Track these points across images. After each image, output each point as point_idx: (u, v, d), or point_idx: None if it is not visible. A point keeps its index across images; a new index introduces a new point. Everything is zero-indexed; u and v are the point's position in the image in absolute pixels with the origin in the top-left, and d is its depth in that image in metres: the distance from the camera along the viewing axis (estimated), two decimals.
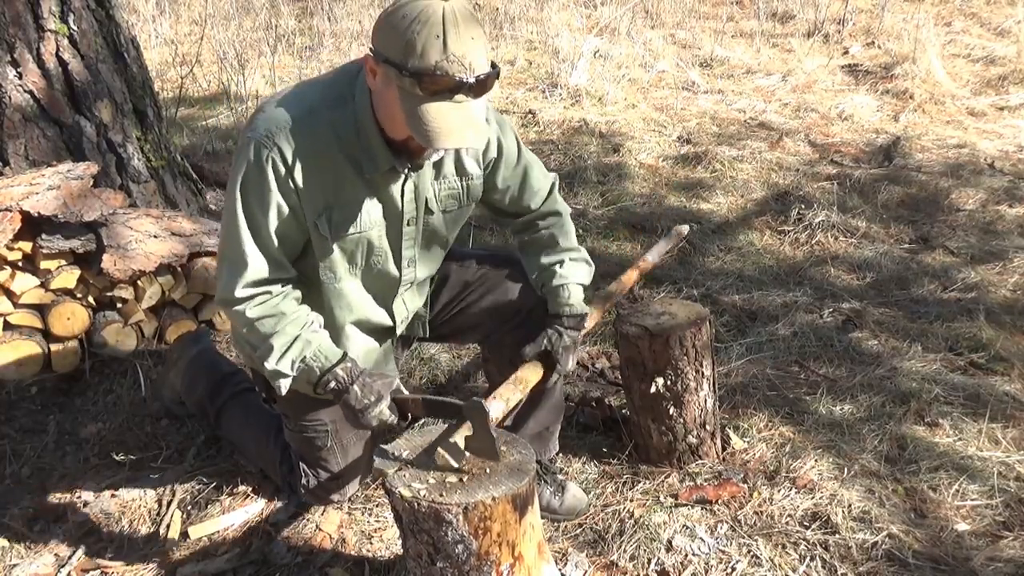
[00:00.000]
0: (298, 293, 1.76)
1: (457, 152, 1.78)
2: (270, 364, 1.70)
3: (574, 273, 1.94)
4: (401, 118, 1.53)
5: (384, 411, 1.66)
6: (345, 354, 1.72)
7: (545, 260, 1.97)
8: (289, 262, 1.73)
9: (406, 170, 1.71)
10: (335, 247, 1.73)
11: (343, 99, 1.64)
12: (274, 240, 1.67)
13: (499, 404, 1.71)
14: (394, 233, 1.79)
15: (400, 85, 1.50)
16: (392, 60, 1.48)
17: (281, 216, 1.65)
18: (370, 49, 1.54)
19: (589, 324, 2.02)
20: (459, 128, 1.51)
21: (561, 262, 1.95)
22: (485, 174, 1.87)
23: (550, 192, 1.99)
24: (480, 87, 1.51)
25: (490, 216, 2.13)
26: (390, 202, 1.75)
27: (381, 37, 1.51)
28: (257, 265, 1.67)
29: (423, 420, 1.70)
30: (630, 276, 2.26)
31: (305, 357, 1.69)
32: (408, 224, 1.79)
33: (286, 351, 1.69)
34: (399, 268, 1.84)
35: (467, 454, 1.57)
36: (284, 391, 1.75)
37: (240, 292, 1.67)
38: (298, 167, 1.61)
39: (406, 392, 1.70)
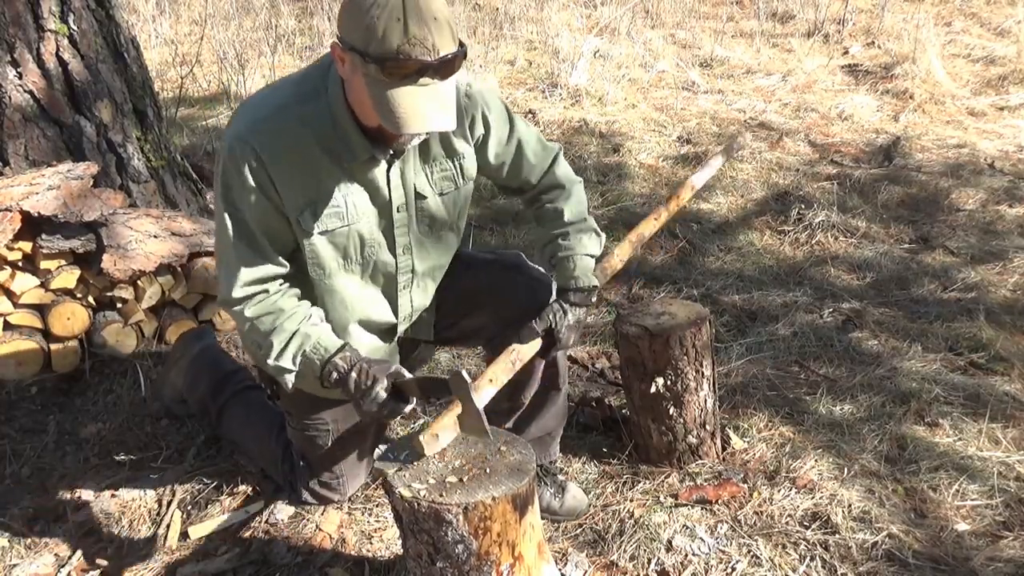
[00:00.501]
0: (297, 290, 1.76)
1: (443, 133, 1.75)
2: (272, 360, 1.70)
3: (579, 245, 1.91)
4: (369, 104, 1.52)
5: (380, 393, 1.62)
6: (345, 344, 1.71)
7: (550, 234, 1.95)
8: (283, 257, 1.73)
9: (388, 156, 1.70)
10: (324, 242, 1.72)
11: (316, 92, 1.63)
12: (262, 238, 1.68)
13: (490, 390, 1.70)
14: (385, 221, 1.78)
15: (365, 72, 1.48)
16: (355, 47, 1.46)
17: (265, 214, 1.66)
18: (336, 36, 1.53)
19: (623, 260, 1.99)
20: (427, 112, 1.49)
21: (565, 234, 1.92)
22: (475, 151, 1.85)
23: (551, 164, 1.96)
24: (446, 68, 1.48)
25: (499, 196, 2.10)
26: (376, 191, 1.74)
27: (344, 23, 1.50)
28: (250, 264, 1.68)
29: (423, 420, 1.70)
30: (673, 204, 2.19)
31: (305, 351, 1.69)
32: (398, 211, 1.78)
33: (286, 346, 1.70)
34: (394, 256, 1.83)
35: (440, 445, 1.58)
36: (290, 386, 1.75)
37: (238, 292, 1.68)
38: (274, 165, 1.61)
39: (407, 375, 1.66)
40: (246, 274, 1.68)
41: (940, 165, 4.48)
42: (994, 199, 4.08)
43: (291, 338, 1.70)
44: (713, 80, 5.87)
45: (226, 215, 1.66)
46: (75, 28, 2.93)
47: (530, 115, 5.00)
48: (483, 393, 1.68)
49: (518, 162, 1.92)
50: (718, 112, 5.26)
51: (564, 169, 1.99)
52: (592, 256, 1.92)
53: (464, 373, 1.53)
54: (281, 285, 1.73)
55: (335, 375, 1.68)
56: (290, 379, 1.73)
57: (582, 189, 2.00)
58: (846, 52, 6.39)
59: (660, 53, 6.19)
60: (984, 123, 5.22)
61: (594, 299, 1.90)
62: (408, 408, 1.67)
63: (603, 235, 1.98)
